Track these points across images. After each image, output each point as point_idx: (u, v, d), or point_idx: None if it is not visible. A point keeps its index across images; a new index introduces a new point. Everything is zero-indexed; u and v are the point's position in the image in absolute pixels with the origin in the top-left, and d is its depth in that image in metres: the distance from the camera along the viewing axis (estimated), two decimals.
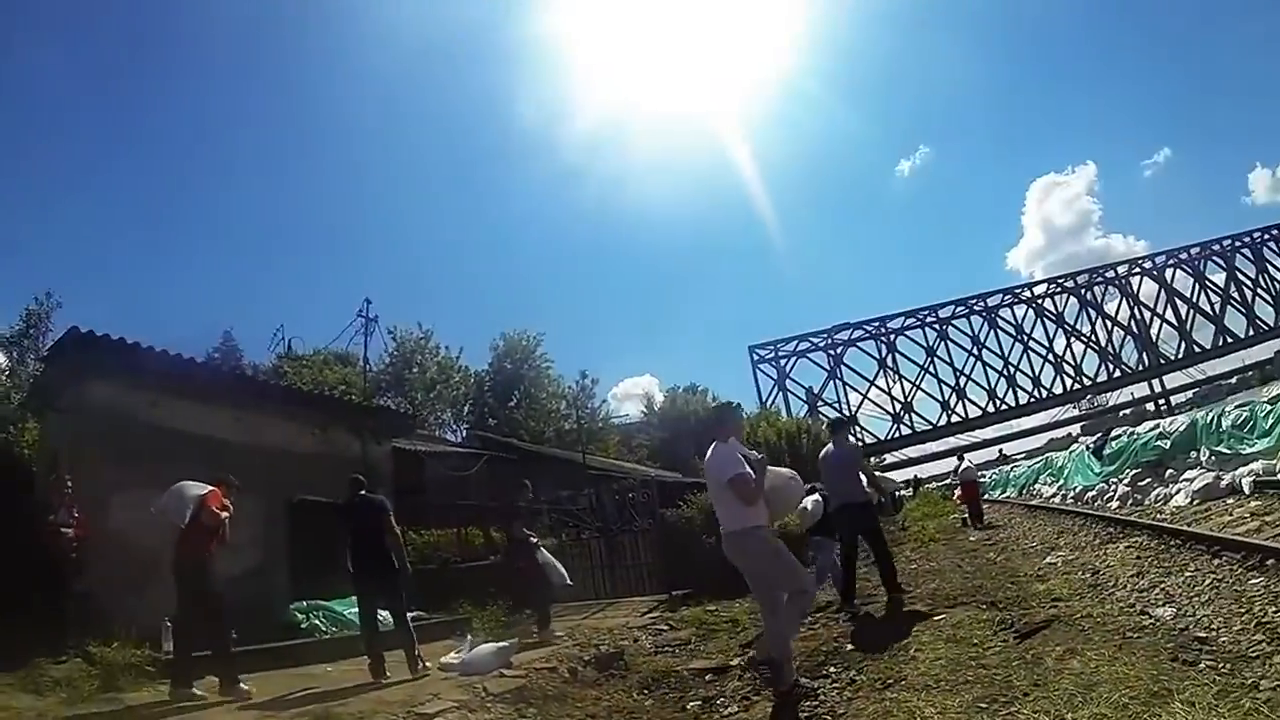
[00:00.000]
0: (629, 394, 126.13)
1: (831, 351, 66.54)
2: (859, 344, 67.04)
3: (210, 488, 8.62)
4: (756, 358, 65.28)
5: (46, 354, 11.96)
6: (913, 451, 64.10)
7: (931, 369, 66.55)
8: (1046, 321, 68.86)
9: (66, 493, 9.69)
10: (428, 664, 8.95)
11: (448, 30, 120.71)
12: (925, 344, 67.21)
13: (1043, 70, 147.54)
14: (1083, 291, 68.91)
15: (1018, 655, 6.32)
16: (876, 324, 66.87)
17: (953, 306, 68.01)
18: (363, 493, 9.67)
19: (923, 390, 67.04)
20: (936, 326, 67.34)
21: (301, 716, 6.55)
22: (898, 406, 65.70)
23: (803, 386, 65.38)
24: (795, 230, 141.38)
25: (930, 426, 65.01)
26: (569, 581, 12.85)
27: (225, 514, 8.56)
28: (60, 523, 9.61)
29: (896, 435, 64.71)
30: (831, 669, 7.28)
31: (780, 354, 66.02)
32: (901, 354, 67.26)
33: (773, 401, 62.07)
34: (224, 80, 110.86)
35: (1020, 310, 69.23)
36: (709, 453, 7.03)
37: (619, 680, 8.60)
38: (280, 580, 12.33)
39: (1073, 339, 68.68)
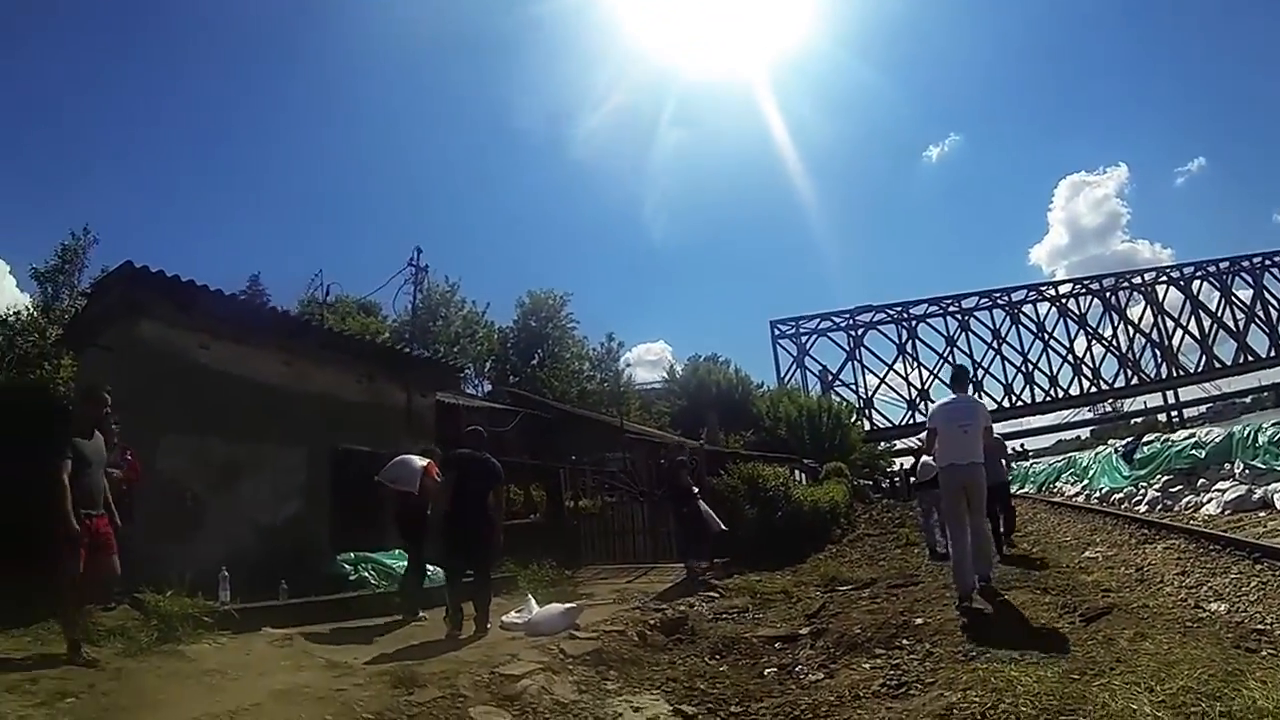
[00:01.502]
0: (641, 359, 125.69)
1: (852, 332, 65.84)
2: (880, 327, 66.32)
3: (428, 460, 10.18)
4: (777, 333, 64.66)
5: (92, 287, 11.43)
6: (918, 442, 62.79)
7: (950, 358, 65.29)
8: (1069, 321, 67.88)
9: (115, 433, 9.18)
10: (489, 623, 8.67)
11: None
12: (946, 333, 66.45)
13: (1082, 66, 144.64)
14: (1108, 295, 67.58)
15: (1089, 636, 6.54)
16: (899, 309, 66.24)
17: (976, 298, 67.23)
18: (481, 451, 9.24)
19: (940, 379, 65.60)
20: (959, 316, 66.45)
21: (382, 676, 6.22)
22: (914, 393, 65.16)
23: (819, 364, 64.72)
24: (819, 208, 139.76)
25: None
26: (724, 528, 13.76)
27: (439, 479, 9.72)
28: (109, 464, 9.09)
29: (911, 422, 63.43)
30: (904, 641, 7.31)
31: (801, 331, 65.44)
32: (922, 341, 66.59)
33: (790, 378, 61.57)
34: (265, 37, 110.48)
35: (1044, 308, 68.34)
36: (964, 401, 9.04)
37: (688, 645, 8.47)
38: (322, 530, 12.00)
39: (1093, 341, 67.76)
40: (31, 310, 20.65)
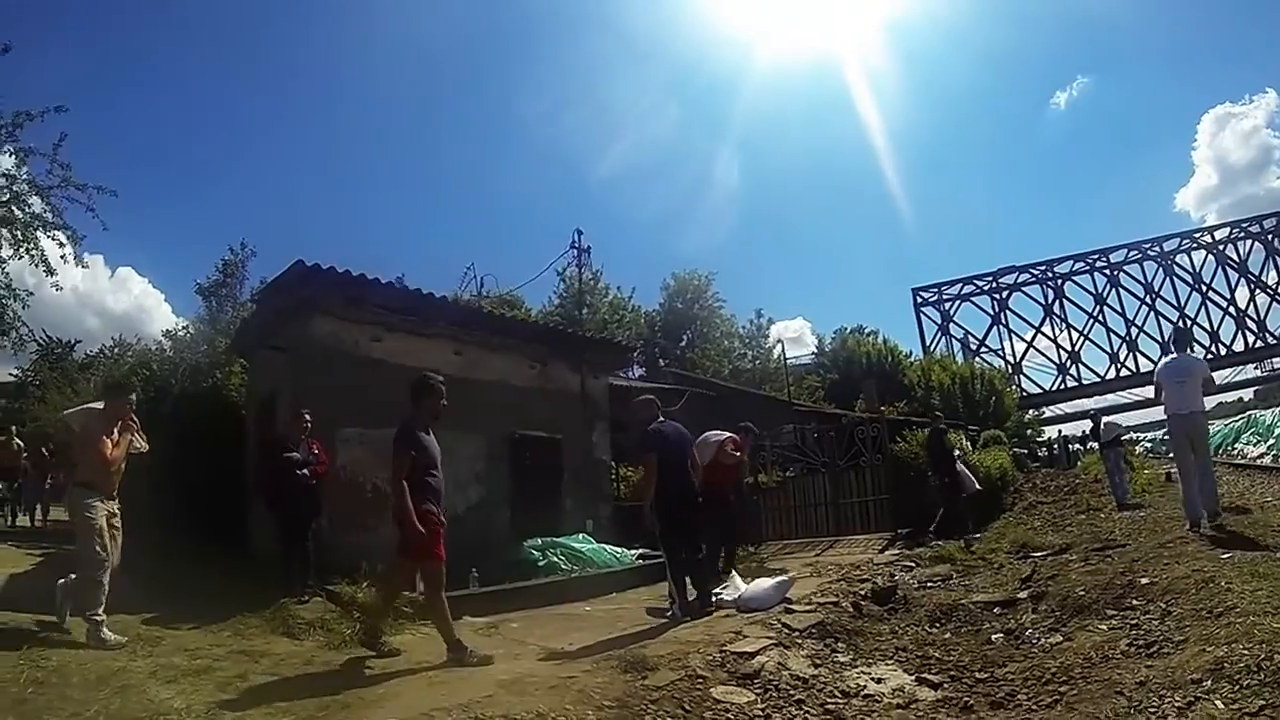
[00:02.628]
0: (780, 336, 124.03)
1: (996, 296, 61.82)
2: (1024, 288, 62.09)
3: (727, 434, 10.25)
4: (919, 300, 62.00)
5: (262, 290, 11.48)
6: (1069, 407, 58.41)
7: (1101, 318, 60.46)
8: (1228, 270, 60.46)
9: (306, 428, 9.22)
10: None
11: None
12: (1094, 290, 61.21)
13: None
14: (1269, 237, 59.63)
15: None
16: (1043, 267, 61.84)
17: (1125, 250, 61.31)
18: (668, 420, 8.77)
19: (1090, 340, 61.03)
20: (1107, 272, 61.13)
21: (608, 662, 5.92)
22: (1064, 356, 60.79)
23: (963, 329, 61.52)
24: (947, 170, 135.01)
25: (1098, 379, 59.33)
26: (978, 487, 14.36)
27: (738, 454, 10.23)
28: (301, 460, 9.09)
29: (1062, 387, 59.84)
30: (1134, 601, 6.85)
31: (944, 297, 62.52)
32: (1069, 300, 61.59)
33: (935, 346, 58.97)
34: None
35: (1199, 256, 61.55)
36: (1181, 359, 9.77)
37: (905, 614, 8.19)
38: (502, 517, 11.96)
39: (1256, 290, 59.73)
40: (198, 324, 21.32)
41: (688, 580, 8.15)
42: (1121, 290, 60.44)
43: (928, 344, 59.67)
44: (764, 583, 8.43)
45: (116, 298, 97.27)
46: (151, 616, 7.62)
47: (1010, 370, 56.76)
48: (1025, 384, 57.57)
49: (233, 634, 7.23)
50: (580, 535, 11.49)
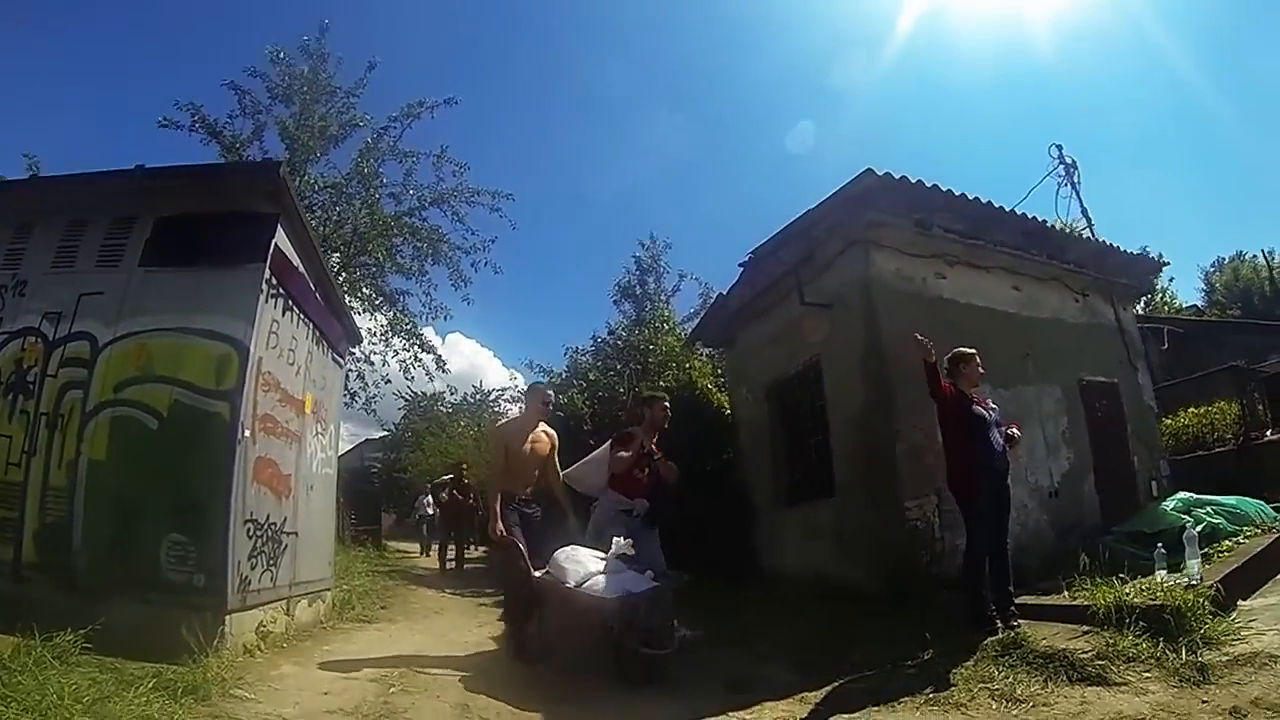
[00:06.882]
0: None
1: None
2: None
3: None
4: None
5: (780, 235, 9.57)
6: None
7: None
8: None
9: (979, 374, 6.75)
10: None
11: None
12: None
13: None
14: None
15: None
16: None
17: None
18: None
19: None
20: None
21: None
22: None
23: None
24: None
25: None
26: None
27: None
28: (991, 420, 6.50)
29: None
30: None
31: None
32: None
33: None
34: None
35: None
36: None
37: None
38: (1089, 483, 9.95)
39: None
40: (628, 325, 19.88)
41: None
42: None
43: None
44: None
45: (451, 361, 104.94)
46: (808, 698, 5.27)
47: None
48: None
49: (993, 697, 4.74)
50: (1187, 495, 9.21)
